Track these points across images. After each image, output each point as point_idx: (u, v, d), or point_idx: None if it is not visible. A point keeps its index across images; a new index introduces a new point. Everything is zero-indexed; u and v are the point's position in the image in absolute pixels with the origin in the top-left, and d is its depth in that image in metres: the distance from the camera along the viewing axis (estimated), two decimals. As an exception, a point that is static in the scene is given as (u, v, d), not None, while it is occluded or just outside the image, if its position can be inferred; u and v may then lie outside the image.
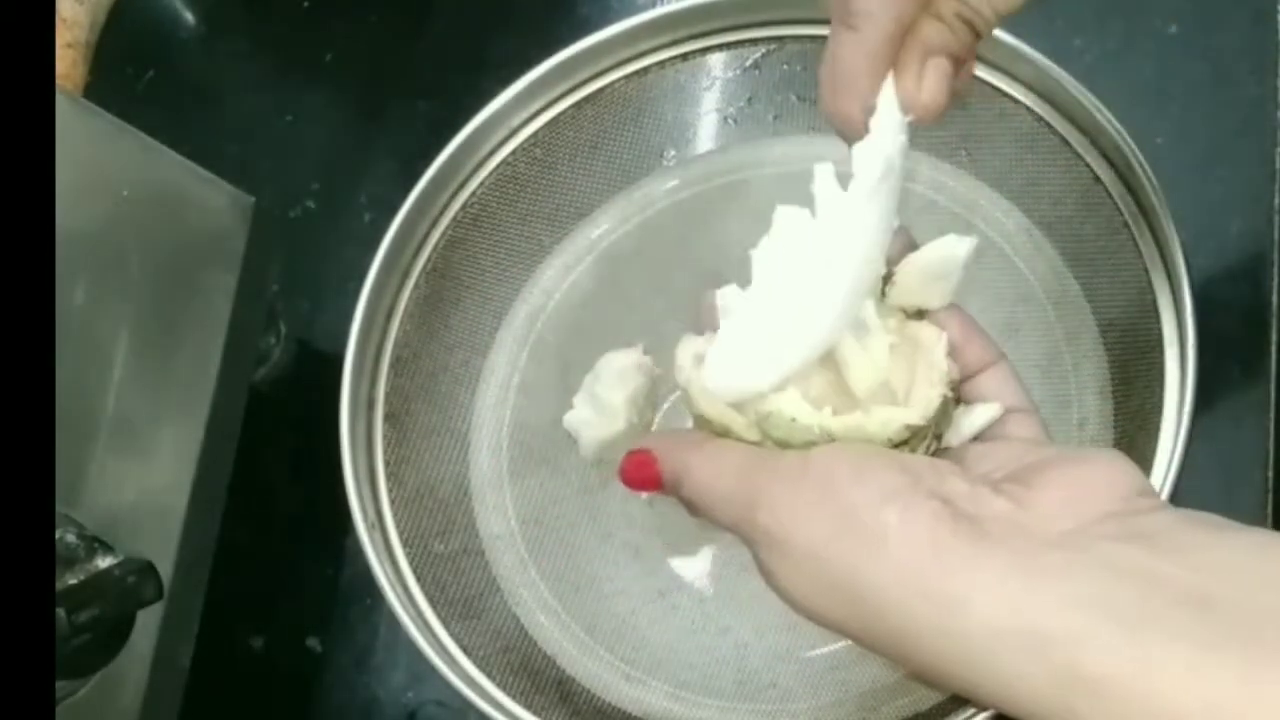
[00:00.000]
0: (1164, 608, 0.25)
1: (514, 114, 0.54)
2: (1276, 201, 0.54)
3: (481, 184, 0.54)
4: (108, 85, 0.68)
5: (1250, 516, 0.51)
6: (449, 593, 0.51)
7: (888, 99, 0.32)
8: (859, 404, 0.32)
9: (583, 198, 0.57)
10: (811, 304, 0.32)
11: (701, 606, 0.52)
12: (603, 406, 0.54)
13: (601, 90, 0.54)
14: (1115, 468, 0.29)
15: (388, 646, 0.57)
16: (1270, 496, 0.51)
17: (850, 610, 0.28)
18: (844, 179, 0.33)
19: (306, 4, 0.70)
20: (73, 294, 0.43)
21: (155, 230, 0.47)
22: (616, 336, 0.55)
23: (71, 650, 0.41)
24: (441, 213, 0.54)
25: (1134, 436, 0.48)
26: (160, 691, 0.46)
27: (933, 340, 0.33)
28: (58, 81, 0.63)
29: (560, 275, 0.57)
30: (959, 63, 0.33)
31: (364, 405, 0.51)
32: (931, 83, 0.32)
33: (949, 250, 0.34)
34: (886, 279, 0.35)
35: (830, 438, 0.31)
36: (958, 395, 0.34)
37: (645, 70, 0.54)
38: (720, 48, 0.55)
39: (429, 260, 0.54)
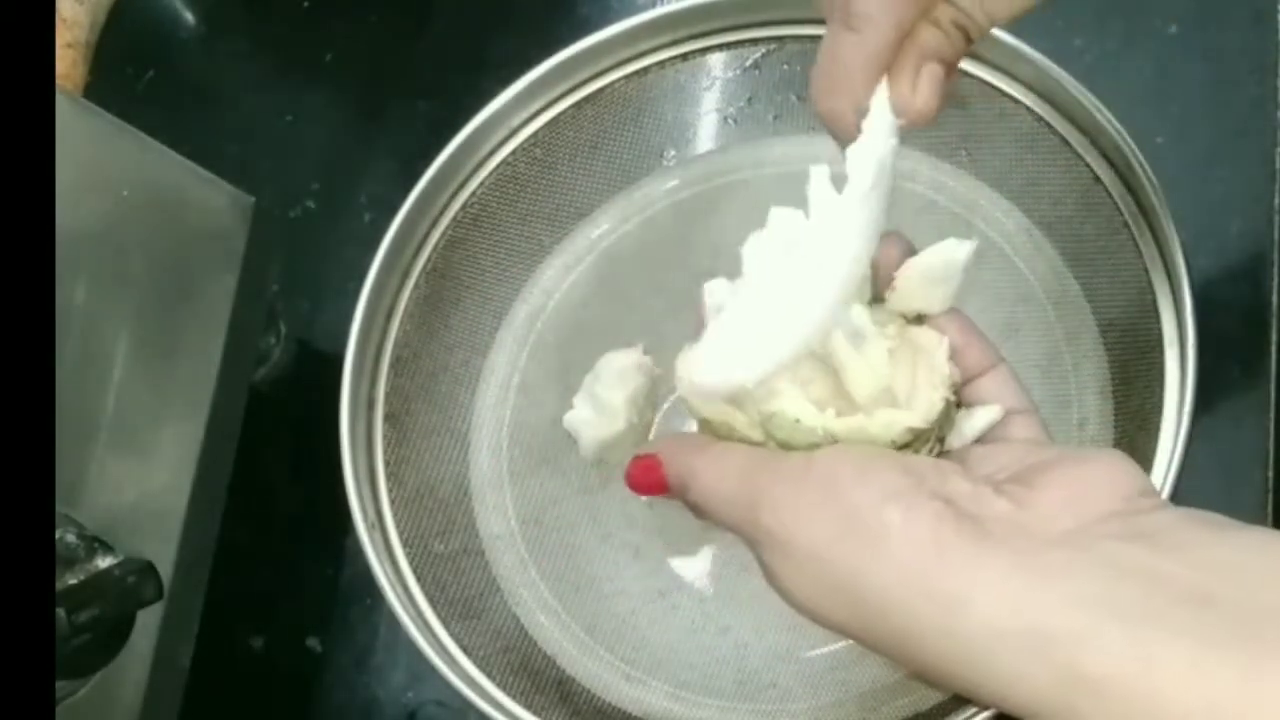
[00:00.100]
0: (1166, 606, 0.25)
1: (514, 114, 0.54)
2: (1276, 201, 0.54)
3: (481, 184, 0.54)
4: (108, 85, 0.68)
5: (1250, 516, 0.51)
6: (449, 593, 0.51)
7: (881, 102, 0.32)
8: (861, 408, 0.32)
9: (583, 198, 0.57)
10: (800, 302, 0.32)
11: (701, 606, 0.52)
12: (603, 406, 0.54)
13: (601, 90, 0.54)
14: (1117, 467, 0.29)
15: (388, 646, 0.57)
16: (1270, 496, 0.51)
17: (853, 611, 0.28)
18: (838, 180, 0.33)
19: (306, 4, 0.70)
20: (73, 294, 0.43)
21: (155, 230, 0.47)
22: (616, 336, 0.55)
23: (71, 650, 0.41)
24: (441, 213, 0.54)
25: (1134, 436, 0.48)
26: (160, 691, 0.46)
27: (934, 344, 0.33)
28: (58, 81, 0.63)
29: (560, 275, 0.57)
30: (950, 68, 0.33)
31: (364, 405, 0.51)
32: (926, 88, 0.32)
33: (949, 254, 0.34)
34: (885, 284, 0.35)
35: (833, 439, 0.31)
36: (959, 399, 0.34)
37: (645, 70, 0.54)
38: (720, 48, 0.55)
39: (429, 260, 0.54)
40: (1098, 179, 0.49)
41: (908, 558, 0.27)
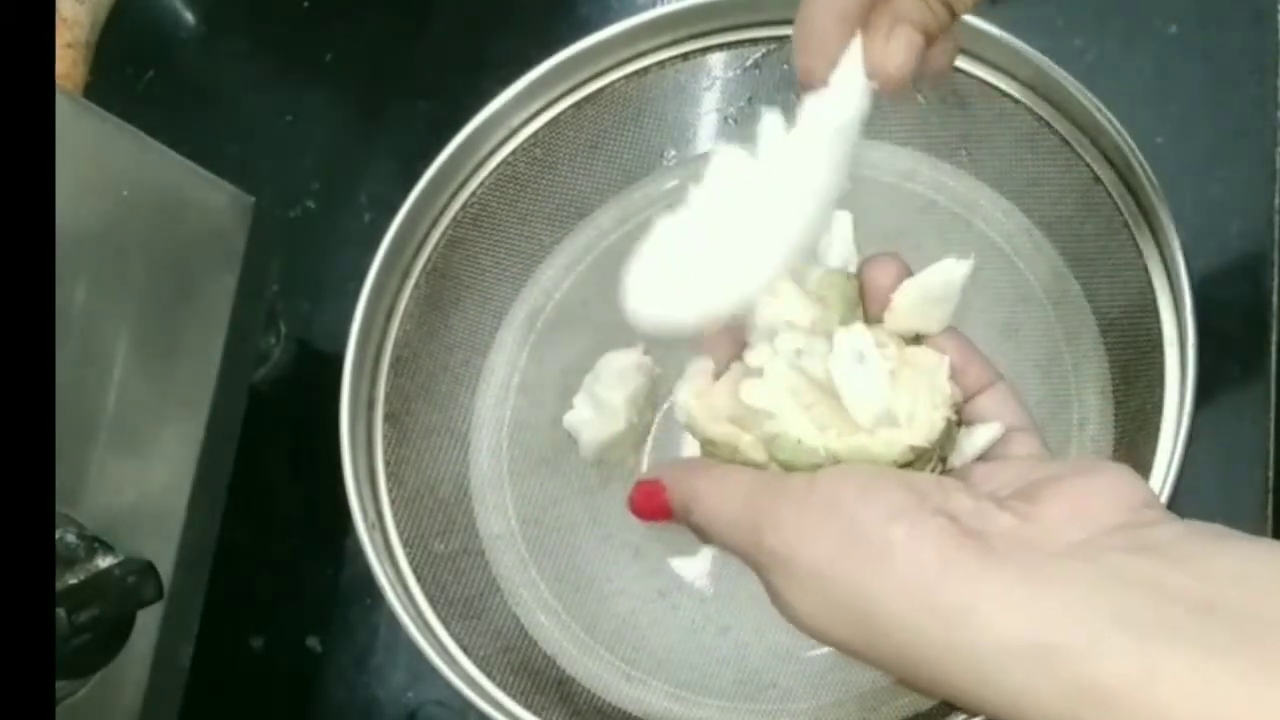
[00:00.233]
0: (1171, 617, 0.25)
1: (514, 114, 0.54)
2: (1276, 201, 0.54)
3: (481, 184, 0.54)
4: (108, 85, 0.68)
5: (1250, 516, 0.51)
6: (449, 593, 0.51)
7: (853, 60, 0.32)
8: (862, 429, 0.32)
9: (583, 198, 0.57)
10: (743, 249, 0.32)
11: (702, 606, 0.52)
12: (603, 406, 0.54)
13: (601, 90, 0.54)
14: (1119, 480, 0.29)
15: (388, 646, 0.57)
16: (1270, 496, 0.51)
17: (858, 628, 0.28)
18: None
19: (306, 4, 0.70)
20: (73, 294, 0.43)
21: (155, 230, 0.47)
22: (616, 336, 0.55)
23: (71, 650, 0.41)
24: (441, 213, 0.54)
25: (1134, 436, 0.48)
26: (160, 691, 0.46)
27: (934, 364, 0.33)
28: (58, 81, 0.63)
29: (560, 275, 0.57)
30: (931, 39, 0.33)
31: (364, 405, 0.51)
32: (897, 48, 0.32)
33: (948, 274, 0.34)
34: (882, 306, 0.35)
35: (836, 459, 0.31)
36: (960, 417, 0.34)
37: (645, 70, 0.54)
38: (720, 48, 0.55)
39: (429, 260, 0.54)
40: (1098, 179, 0.49)
41: (912, 574, 0.27)
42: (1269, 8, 0.57)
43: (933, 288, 0.34)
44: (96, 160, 0.46)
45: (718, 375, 0.35)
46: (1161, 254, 0.47)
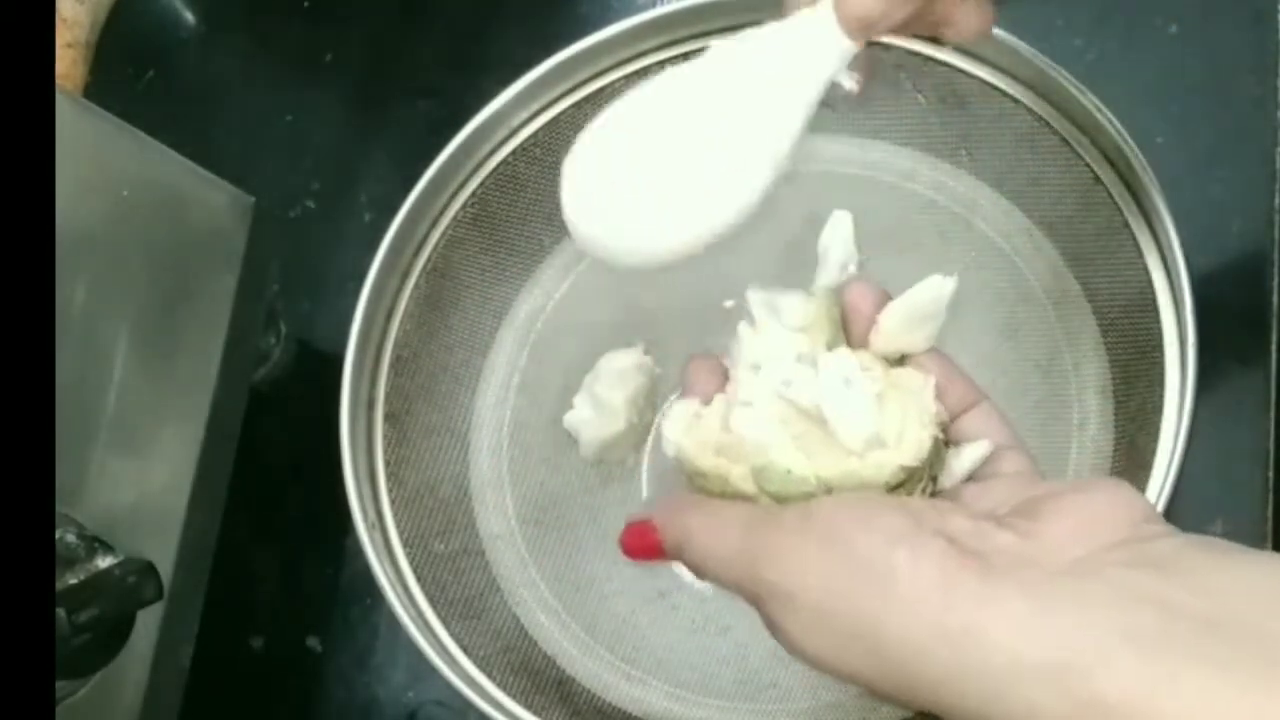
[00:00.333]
0: (1177, 632, 0.25)
1: (514, 114, 0.54)
2: (1276, 201, 0.54)
3: (481, 184, 0.54)
4: (108, 85, 0.68)
5: (1250, 516, 0.51)
6: (449, 593, 0.51)
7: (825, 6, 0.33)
8: (852, 454, 0.32)
9: (583, 198, 0.57)
10: (724, 156, 0.32)
11: (702, 606, 0.52)
12: (603, 406, 0.54)
13: (601, 90, 0.54)
14: (1119, 495, 0.29)
15: (388, 646, 0.57)
16: (1270, 496, 0.51)
17: (864, 656, 0.28)
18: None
19: (306, 4, 0.70)
20: (73, 294, 0.43)
21: (155, 230, 0.47)
22: (616, 336, 0.56)
23: (71, 650, 0.41)
24: (441, 213, 0.54)
25: (1134, 436, 0.48)
26: (160, 691, 0.46)
27: (919, 384, 0.33)
28: (58, 81, 0.63)
29: (560, 275, 0.57)
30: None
31: (364, 405, 0.51)
32: None
33: (934, 291, 0.34)
34: (866, 329, 0.35)
35: (827, 487, 0.31)
36: (947, 437, 0.34)
37: (645, 70, 0.54)
38: (720, 48, 0.55)
39: (429, 260, 0.54)
40: (1098, 179, 0.49)
41: (916, 598, 0.27)
42: (1269, 8, 0.57)
43: (921, 305, 0.34)
44: (96, 160, 0.45)
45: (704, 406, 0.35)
46: (1161, 254, 0.47)
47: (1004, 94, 0.50)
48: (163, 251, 0.47)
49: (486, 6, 0.68)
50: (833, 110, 0.55)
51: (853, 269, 0.37)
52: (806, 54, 0.32)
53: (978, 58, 0.50)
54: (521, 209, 0.56)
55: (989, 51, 0.50)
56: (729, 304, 0.55)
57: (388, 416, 0.52)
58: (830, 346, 0.34)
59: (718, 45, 0.33)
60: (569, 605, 0.53)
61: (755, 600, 0.31)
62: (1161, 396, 0.46)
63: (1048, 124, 0.50)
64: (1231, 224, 0.54)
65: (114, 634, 0.44)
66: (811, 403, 0.32)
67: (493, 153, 0.54)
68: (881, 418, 0.32)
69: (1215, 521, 0.51)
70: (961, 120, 0.53)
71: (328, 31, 0.69)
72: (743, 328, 0.34)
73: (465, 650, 0.48)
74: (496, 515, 0.55)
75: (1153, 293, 0.47)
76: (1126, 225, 0.48)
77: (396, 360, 0.53)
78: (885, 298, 0.35)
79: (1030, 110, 0.50)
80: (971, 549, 0.28)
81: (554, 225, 0.57)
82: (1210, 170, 0.55)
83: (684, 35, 0.54)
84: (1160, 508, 0.43)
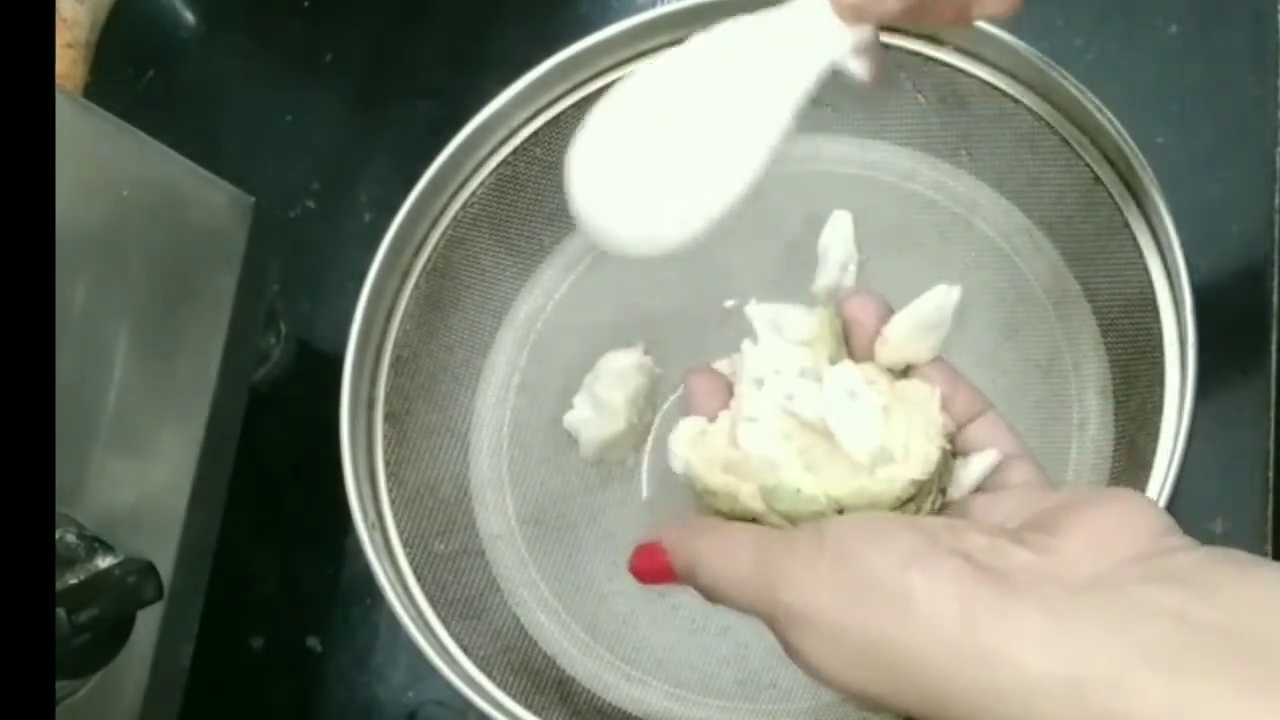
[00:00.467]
0: (1198, 648, 0.25)
1: (514, 114, 0.54)
2: (1276, 201, 0.54)
3: (481, 184, 0.54)
4: (108, 85, 0.68)
5: (1250, 516, 0.51)
6: (449, 593, 0.51)
7: None
8: (860, 469, 0.32)
9: (583, 198, 0.57)
10: (728, 136, 0.32)
11: (702, 606, 0.52)
12: (603, 406, 0.54)
13: (601, 90, 0.54)
14: (1137, 508, 0.29)
15: (388, 646, 0.57)
16: (1270, 496, 0.51)
17: (882, 676, 0.28)
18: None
19: (306, 4, 0.70)
20: (73, 294, 0.43)
21: (155, 230, 0.47)
22: (616, 336, 0.56)
23: (71, 650, 0.41)
24: (441, 213, 0.54)
25: (1134, 436, 0.48)
26: (160, 691, 0.46)
27: (924, 396, 0.33)
28: (58, 81, 0.63)
29: (560, 275, 0.57)
30: None
31: (364, 405, 0.51)
32: None
33: (939, 300, 0.34)
34: (870, 342, 0.34)
35: (837, 505, 0.31)
36: (954, 448, 0.34)
37: (645, 70, 0.54)
38: (720, 48, 0.54)
39: (429, 260, 0.54)
40: (1098, 179, 0.49)
41: (933, 617, 0.27)
42: (1269, 8, 0.57)
43: (926, 315, 0.34)
44: (96, 160, 0.45)
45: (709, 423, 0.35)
46: (1161, 254, 0.47)
47: (1004, 94, 0.50)
48: (163, 251, 0.47)
49: (486, 6, 0.68)
50: (834, 110, 0.55)
51: (853, 269, 0.36)
52: (803, 39, 0.32)
53: (978, 58, 0.50)
54: (521, 209, 0.56)
55: (989, 51, 0.50)
56: (729, 304, 0.55)
57: (388, 416, 0.52)
58: (833, 360, 0.34)
59: (717, 28, 0.33)
60: (569, 605, 0.53)
61: (770, 623, 0.30)
62: (1161, 396, 0.46)
63: (1048, 124, 0.50)
64: (1231, 224, 0.54)
65: (114, 634, 0.44)
66: (816, 416, 0.32)
67: (493, 153, 0.54)
68: (887, 430, 0.32)
69: (1215, 521, 0.51)
70: (961, 120, 0.53)
71: (328, 31, 0.69)
72: (746, 344, 0.34)
73: (465, 650, 0.48)
74: (496, 515, 0.55)
75: (1153, 293, 0.47)
76: (1126, 225, 0.48)
77: (396, 360, 0.53)
78: (886, 309, 0.34)
79: (1030, 110, 0.50)
80: (988, 566, 0.27)
81: (554, 225, 0.57)
82: (1210, 170, 0.55)
83: (684, 35, 0.53)
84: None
